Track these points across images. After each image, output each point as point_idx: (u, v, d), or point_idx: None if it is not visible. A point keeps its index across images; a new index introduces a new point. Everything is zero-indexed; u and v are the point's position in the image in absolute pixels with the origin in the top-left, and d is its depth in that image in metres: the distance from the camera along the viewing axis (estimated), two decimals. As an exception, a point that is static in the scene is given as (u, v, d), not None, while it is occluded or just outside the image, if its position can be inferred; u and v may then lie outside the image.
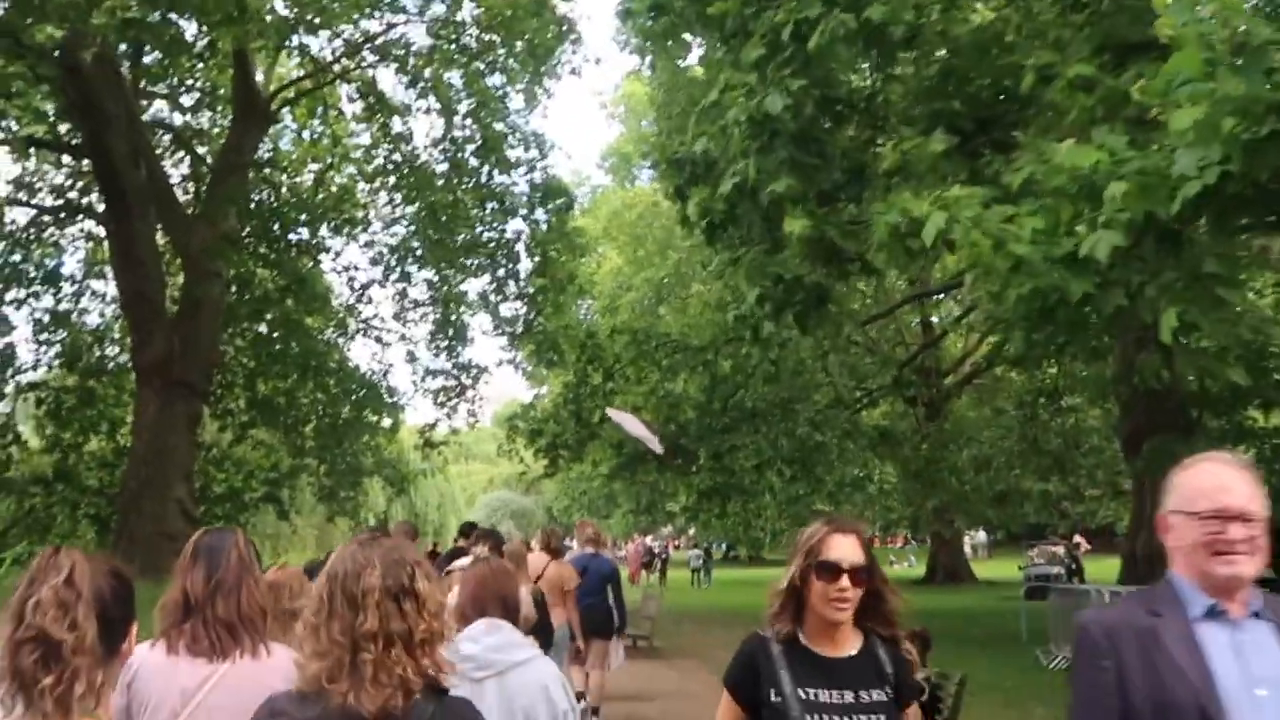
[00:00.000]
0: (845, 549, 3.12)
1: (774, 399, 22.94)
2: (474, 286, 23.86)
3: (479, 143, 22.36)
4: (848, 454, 23.09)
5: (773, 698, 3.02)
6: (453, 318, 24.36)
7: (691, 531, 47.37)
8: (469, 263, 24.03)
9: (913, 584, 34.87)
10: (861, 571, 3.11)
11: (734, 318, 12.27)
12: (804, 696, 2.99)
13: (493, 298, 23.86)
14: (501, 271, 23.75)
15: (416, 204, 23.45)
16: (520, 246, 23.11)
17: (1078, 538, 35.19)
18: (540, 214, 22.65)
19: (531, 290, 22.96)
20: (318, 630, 2.20)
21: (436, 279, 24.74)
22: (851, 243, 9.34)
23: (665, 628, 17.77)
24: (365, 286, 25.80)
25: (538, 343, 22.86)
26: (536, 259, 22.68)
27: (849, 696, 3.02)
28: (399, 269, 25.05)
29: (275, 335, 24.09)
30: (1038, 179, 6.92)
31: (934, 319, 33.40)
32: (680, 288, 32.10)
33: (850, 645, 3.15)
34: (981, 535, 45.40)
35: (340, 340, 26.39)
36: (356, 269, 30.65)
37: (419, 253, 24.22)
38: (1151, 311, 6.54)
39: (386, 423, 26.31)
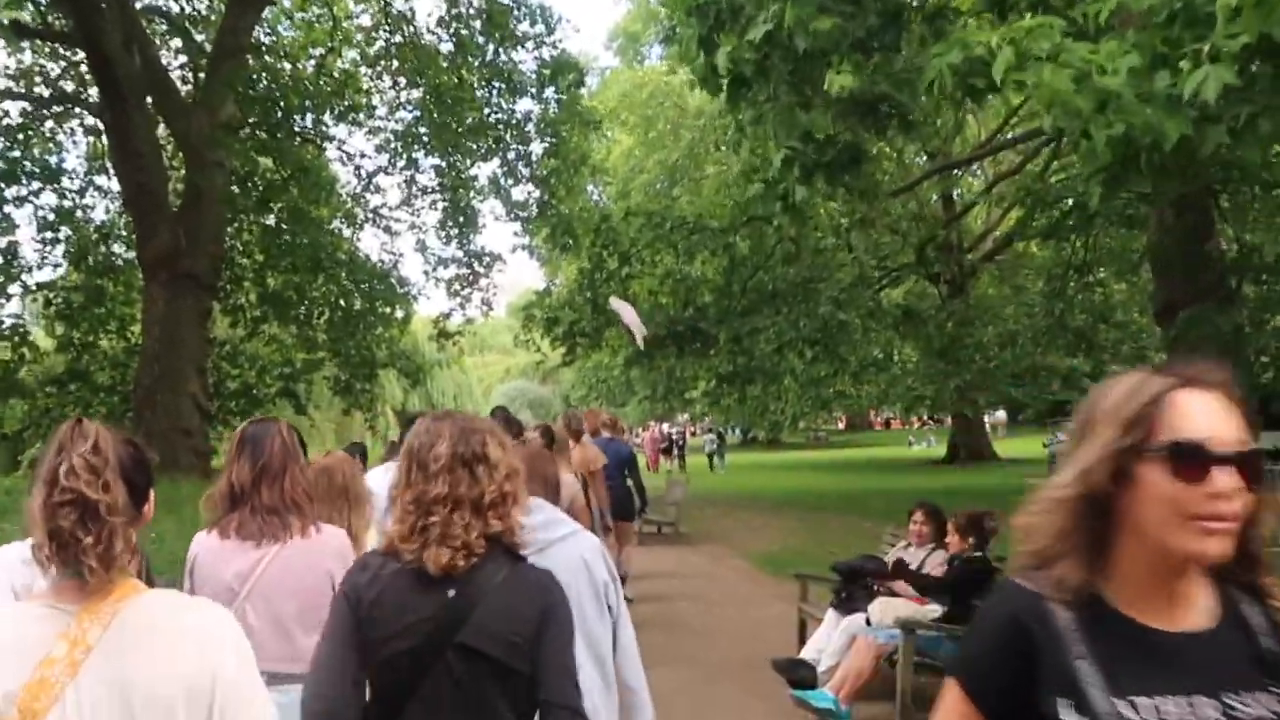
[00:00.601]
0: (1215, 420, 1.59)
1: (795, 279, 22.25)
2: (484, 171, 23.04)
3: (484, 18, 21.29)
4: (871, 333, 22.43)
5: (1067, 714, 1.55)
6: (462, 204, 23.57)
7: (707, 419, 47.13)
8: (477, 146, 23.16)
9: (935, 464, 34.70)
10: (1254, 461, 1.58)
11: (761, 185, 11.51)
12: (1133, 714, 1.54)
13: (504, 182, 23.05)
14: (511, 154, 22.90)
15: (421, 87, 22.51)
16: (530, 127, 22.17)
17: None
18: (550, 92, 21.69)
19: (544, 173, 22.11)
20: (396, 501, 2.34)
21: (444, 165, 23.89)
22: (907, 92, 8.46)
23: (689, 513, 17.43)
24: (372, 175, 24.99)
25: (552, 226, 22.11)
26: (548, 140, 21.79)
27: (1212, 710, 1.54)
28: (405, 155, 24.21)
29: (283, 228, 23.40)
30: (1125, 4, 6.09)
31: (955, 194, 32.47)
32: (694, 169, 31.17)
33: (1200, 609, 1.64)
34: (1001, 414, 45.00)
35: (349, 231, 25.72)
36: (363, 156, 29.75)
37: (426, 138, 23.33)
38: (1263, 149, 5.78)
39: (399, 314, 25.72)
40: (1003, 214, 31.73)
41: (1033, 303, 27.90)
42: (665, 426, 54.25)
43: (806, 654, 6.97)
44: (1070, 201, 18.71)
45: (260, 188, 21.75)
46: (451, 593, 2.26)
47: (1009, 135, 26.92)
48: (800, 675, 6.72)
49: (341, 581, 2.39)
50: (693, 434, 53.74)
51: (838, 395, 24.37)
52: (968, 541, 6.46)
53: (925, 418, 48.78)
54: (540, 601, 2.31)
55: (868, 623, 6.58)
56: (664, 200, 27.26)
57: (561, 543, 3.15)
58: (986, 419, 38.95)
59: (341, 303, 24.55)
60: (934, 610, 6.31)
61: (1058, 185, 19.00)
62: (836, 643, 6.82)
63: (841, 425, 63.34)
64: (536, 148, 22.22)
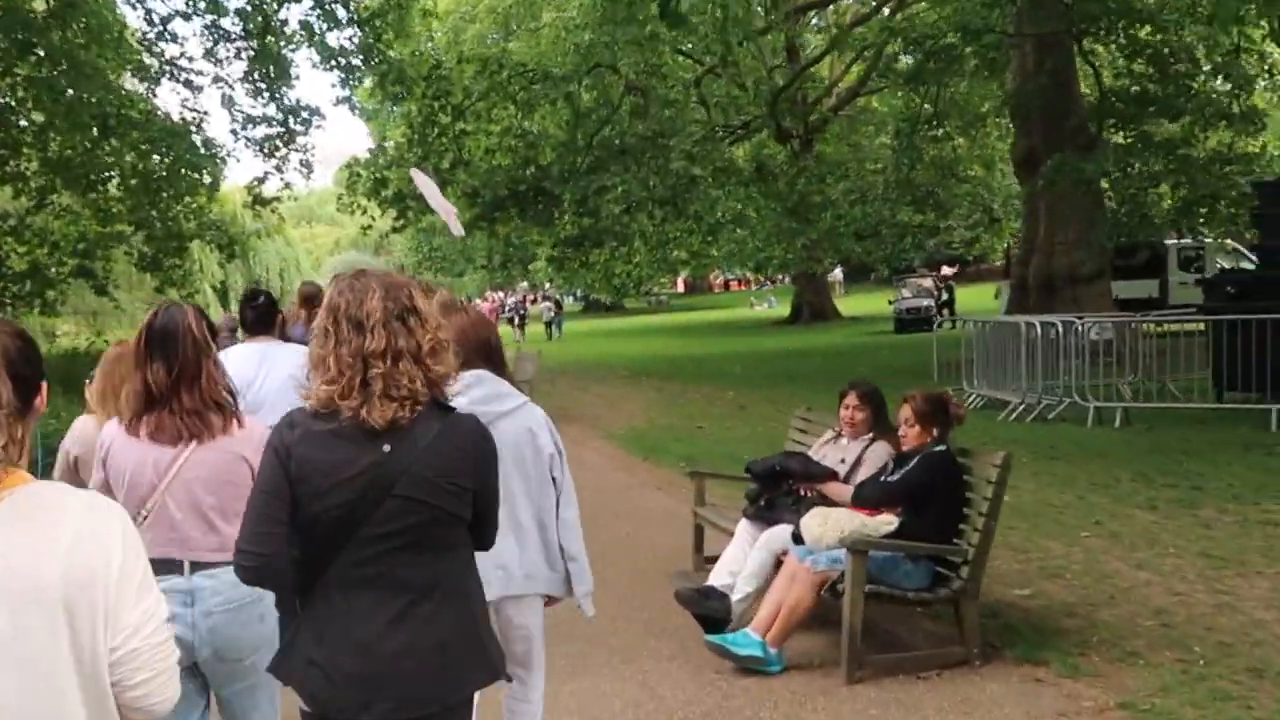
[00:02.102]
0: None
1: (644, 134, 20.35)
2: (295, 15, 19.95)
3: None
4: (727, 189, 20.82)
5: None
6: (272, 51, 20.51)
7: (549, 286, 45.24)
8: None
9: (779, 325, 33.90)
10: None
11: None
12: None
13: (319, 25, 20.08)
14: (326, -6, 19.88)
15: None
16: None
17: (945, 269, 34.38)
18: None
19: (364, 14, 19.26)
20: (325, 360, 2.25)
21: (249, 7, 20.70)
22: None
23: (538, 388, 15.62)
24: (166, 20, 21.54)
25: (380, 75, 19.39)
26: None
27: None
28: (207, -4, 20.85)
29: (61, 81, 19.93)
30: None
31: (801, 44, 30.82)
32: (529, 18, 28.46)
33: None
34: (838, 272, 44.56)
35: (142, 87, 22.30)
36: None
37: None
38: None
39: (206, 180, 22.68)
40: (846, 67, 30.35)
41: (881, 157, 26.84)
42: (502, 295, 52.18)
43: (716, 578, 5.40)
44: (931, 43, 17.25)
45: (19, 23, 18.24)
46: (386, 447, 2.20)
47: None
48: (711, 609, 5.16)
49: (269, 438, 2.32)
50: (532, 302, 51.84)
51: (693, 256, 22.82)
52: (930, 432, 4.90)
53: (766, 278, 48.07)
54: (475, 451, 2.31)
55: (796, 540, 5.03)
56: (500, 46, 24.62)
57: (509, 416, 3.16)
58: (828, 277, 38.32)
59: (140, 166, 21.42)
60: (888, 523, 4.78)
61: (922, 27, 17.46)
62: (755, 562, 5.26)
63: (680, 288, 62.39)
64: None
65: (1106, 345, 12.39)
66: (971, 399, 13.03)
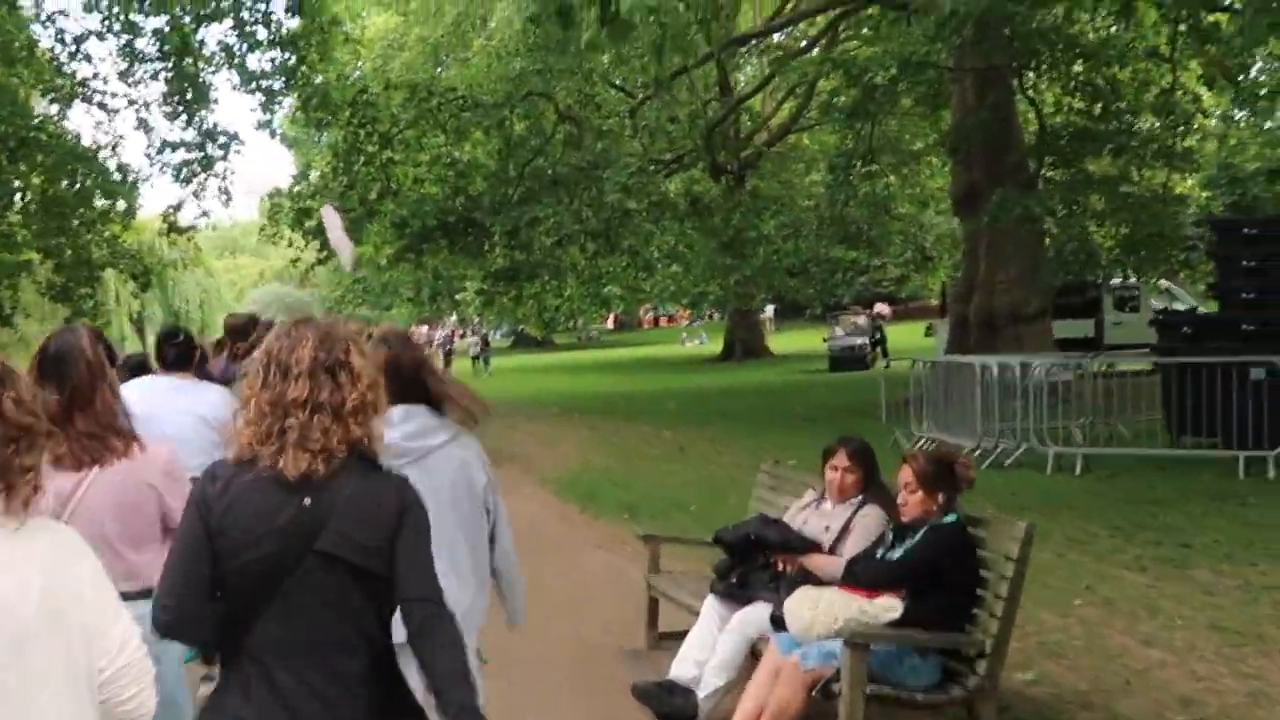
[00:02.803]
0: None
1: (579, 164, 19.54)
2: (215, 34, 18.88)
3: None
4: (663, 224, 20.08)
5: None
6: (190, 73, 19.37)
7: (478, 320, 44.14)
8: (206, 6, 18.95)
9: (711, 361, 33.19)
10: None
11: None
12: None
13: (239, 47, 19.02)
14: (246, 14, 18.83)
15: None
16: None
17: (880, 307, 34.02)
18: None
19: (288, 32, 18.22)
20: (250, 401, 2.23)
21: (167, 27, 19.55)
22: None
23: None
24: (80, 39, 20.29)
25: (304, 99, 18.32)
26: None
27: None
28: (121, 16, 19.65)
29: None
30: None
31: (735, 80, 30.42)
32: (461, 48, 27.59)
33: None
34: (769, 309, 44.13)
35: (55, 109, 21.00)
36: (64, 15, 24.55)
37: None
38: None
39: (120, 206, 21.41)
40: (779, 103, 29.99)
41: (813, 194, 26.39)
42: (428, 330, 50.81)
43: (681, 668, 4.52)
44: (871, 77, 16.75)
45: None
46: (307, 500, 2.16)
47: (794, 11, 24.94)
48: (676, 709, 4.29)
49: (191, 492, 2.29)
50: (460, 337, 50.63)
51: (629, 291, 22.03)
52: (935, 498, 4.09)
53: (695, 314, 47.42)
54: (395, 505, 2.23)
55: (776, 624, 4.18)
56: (429, 73, 23.63)
57: (441, 449, 3.03)
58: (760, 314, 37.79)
59: (49, 191, 20.12)
60: (889, 609, 3.95)
61: (865, 60, 16.96)
62: (726, 649, 4.41)
63: (610, 324, 61.61)
64: (279, 3, 18.26)
65: (1065, 387, 11.81)
66: (922, 443, 12.34)
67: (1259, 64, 20.86)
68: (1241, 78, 21.22)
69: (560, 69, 18.28)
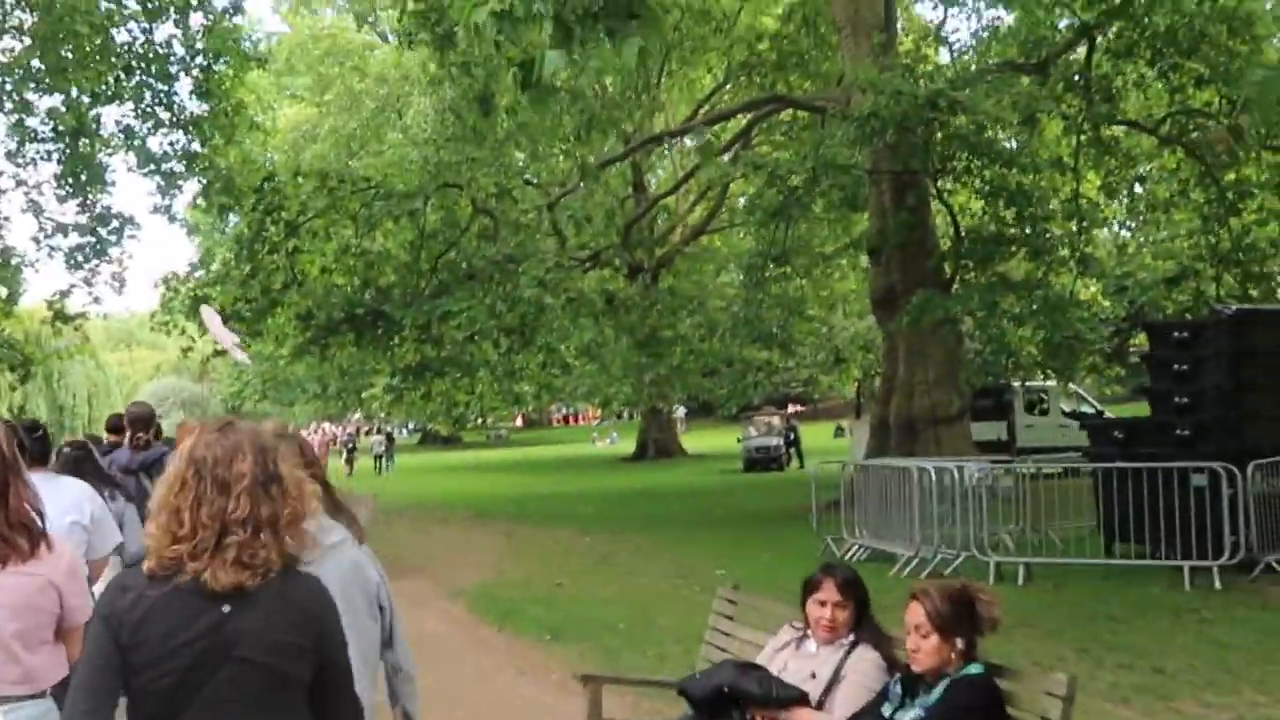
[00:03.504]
0: None
1: (495, 257, 18.78)
2: (112, 116, 17.83)
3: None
4: (580, 320, 19.37)
5: None
6: (85, 153, 18.24)
7: (384, 416, 42.68)
8: (103, 86, 17.97)
9: (624, 461, 32.33)
10: None
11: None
12: None
13: (139, 127, 17.99)
14: (148, 96, 17.88)
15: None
16: (175, 59, 17.29)
17: (792, 408, 33.66)
18: (198, 18, 16.94)
19: (192, 114, 17.27)
20: (179, 514, 2.11)
21: (64, 107, 18.46)
22: None
23: (374, 531, 13.49)
24: (-38, 116, 19.03)
25: (206, 182, 17.30)
26: (195, 72, 16.97)
27: None
28: (16, 95, 18.50)
29: None
30: None
31: (651, 180, 30.34)
32: (375, 141, 26.90)
33: None
34: (680, 409, 43.65)
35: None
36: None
37: (38, 70, 17.84)
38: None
39: (2, 292, 19.94)
40: (693, 203, 29.92)
41: (724, 295, 26.10)
42: (331, 426, 49.09)
43: None
44: (792, 178, 16.50)
45: None
46: (226, 608, 2.07)
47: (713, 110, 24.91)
48: None
49: (98, 605, 2.17)
50: (367, 433, 48.95)
51: (544, 388, 21.18)
52: (953, 644, 3.33)
53: (606, 413, 46.67)
54: (314, 607, 2.18)
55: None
56: (342, 163, 22.76)
57: (334, 549, 2.90)
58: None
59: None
60: (903, 784, 3.15)
61: (785, 161, 16.71)
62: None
63: (519, 422, 60.40)
64: (183, 85, 17.32)
65: (1006, 492, 11.29)
66: (854, 551, 11.66)
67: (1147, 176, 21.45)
68: (1136, 188, 21.81)
69: (477, 158, 17.65)
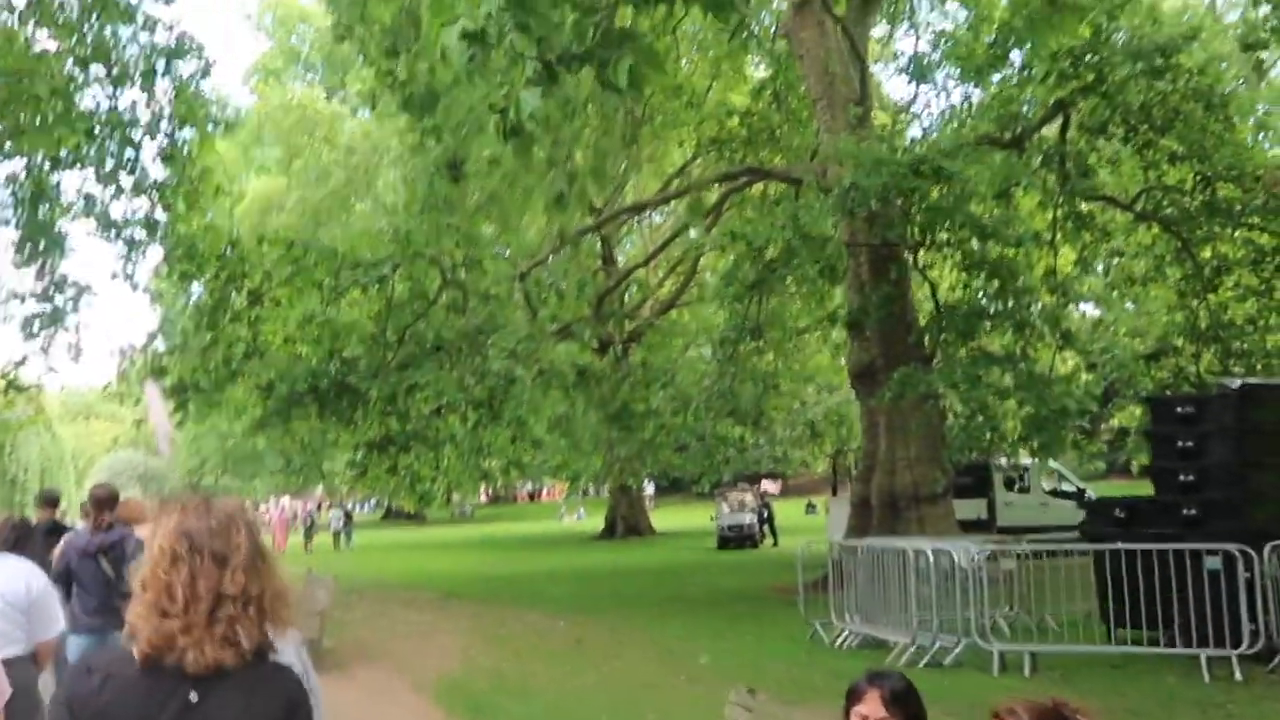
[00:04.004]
0: None
1: (464, 329, 18.16)
2: (71, 182, 17.13)
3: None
4: (552, 393, 18.72)
5: None
6: (44, 218, 17.51)
7: (346, 491, 41.50)
8: (66, 154, 17.32)
9: (593, 539, 31.41)
10: None
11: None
12: None
13: (102, 193, 17.31)
14: (111, 162, 17.22)
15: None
16: (139, 125, 16.69)
17: (765, 484, 33.00)
18: (164, 84, 16.38)
19: (154, 181, 16.62)
20: (172, 587, 2.01)
21: (23, 171, 17.79)
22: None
23: (333, 614, 12.51)
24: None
25: (169, 249, 16.62)
26: (161, 136, 16.35)
27: None
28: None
29: None
30: None
31: (619, 255, 29.99)
32: (343, 212, 26.38)
33: None
34: (649, 485, 42.83)
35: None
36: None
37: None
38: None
39: (-50, 360, 19.04)
40: (663, 276, 29.56)
41: (698, 369, 25.59)
42: (290, 501, 47.73)
43: None
44: (772, 248, 16.10)
45: None
46: (194, 696, 1.99)
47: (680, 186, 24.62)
48: None
49: (59, 690, 2.13)
50: (328, 508, 47.64)
51: (513, 464, 20.42)
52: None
53: (573, 489, 45.71)
54: (283, 697, 2.08)
55: None
56: (308, 230, 22.12)
57: None
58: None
59: None
60: None
61: (764, 232, 16.28)
62: None
63: (483, 498, 59.18)
64: (149, 151, 16.68)
65: (1006, 575, 10.68)
66: (845, 637, 10.95)
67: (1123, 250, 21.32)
68: (1114, 260, 21.64)
69: (451, 223, 17.13)
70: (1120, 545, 9.88)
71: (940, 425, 16.77)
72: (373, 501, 50.37)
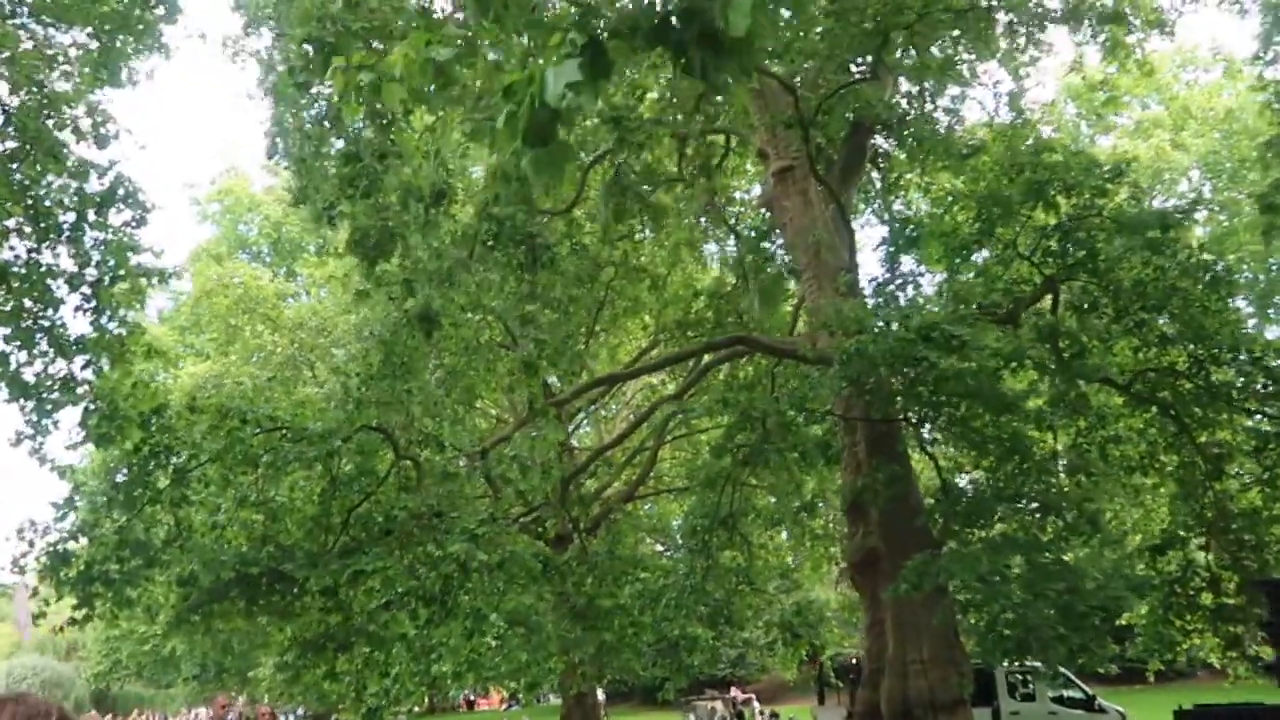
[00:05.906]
0: None
1: (417, 509, 15.99)
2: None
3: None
4: (518, 584, 16.45)
5: None
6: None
7: (265, 701, 37.70)
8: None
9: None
10: None
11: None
12: None
13: (15, 354, 15.23)
14: (28, 320, 15.23)
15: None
16: (59, 282, 14.80)
17: (735, 690, 30.16)
18: (93, 234, 14.65)
19: (78, 338, 14.58)
20: None
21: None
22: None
23: None
24: None
25: (87, 407, 14.40)
26: (84, 290, 14.43)
27: None
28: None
29: None
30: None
31: (574, 444, 28.15)
32: (284, 394, 24.36)
33: None
34: (600, 692, 39.47)
35: None
36: None
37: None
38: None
39: None
40: (622, 465, 27.67)
41: (672, 562, 23.43)
42: (205, 712, 43.37)
43: None
44: (771, 420, 14.41)
45: None
46: None
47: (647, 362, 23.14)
48: None
49: None
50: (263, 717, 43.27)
51: (469, 666, 17.78)
52: None
53: (527, 696, 42.02)
54: None
55: None
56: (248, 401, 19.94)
57: None
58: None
59: None
60: None
61: (761, 399, 14.65)
62: None
63: (419, 708, 54.60)
64: (67, 305, 14.74)
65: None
66: None
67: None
68: (1111, 447, 20.26)
69: (409, 388, 15.25)
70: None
71: (953, 620, 14.78)
72: (301, 711, 45.96)
